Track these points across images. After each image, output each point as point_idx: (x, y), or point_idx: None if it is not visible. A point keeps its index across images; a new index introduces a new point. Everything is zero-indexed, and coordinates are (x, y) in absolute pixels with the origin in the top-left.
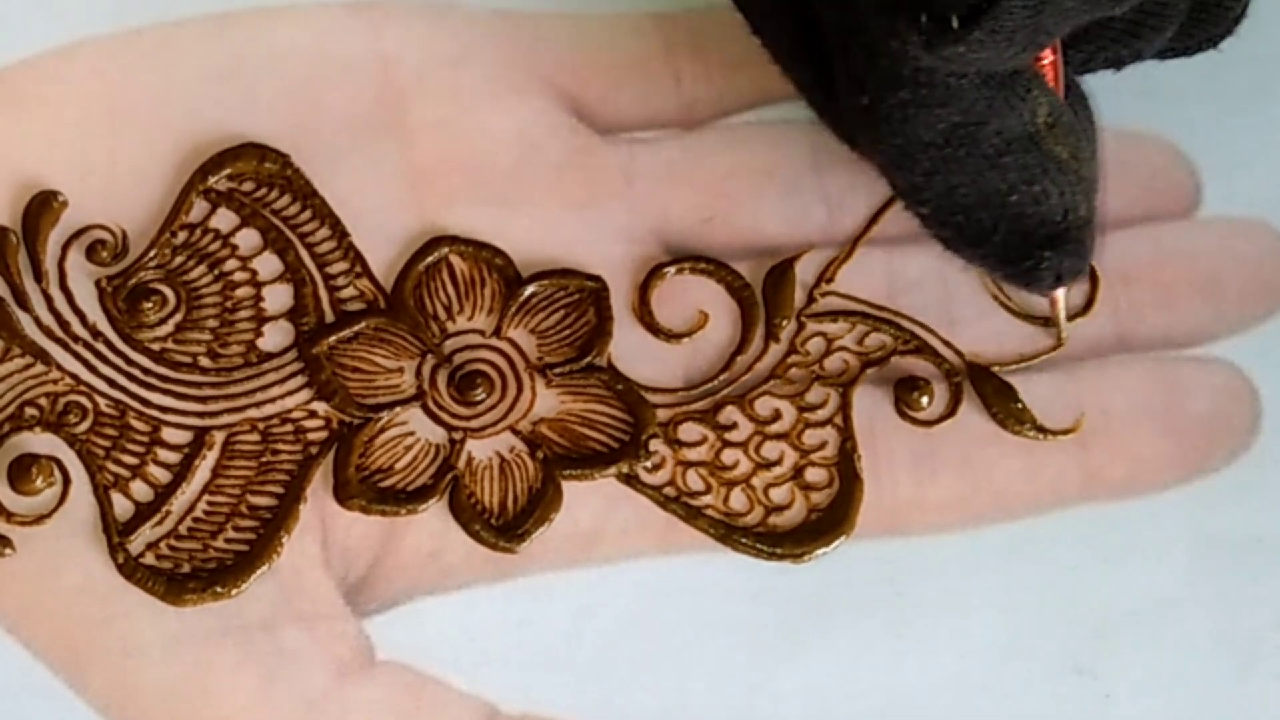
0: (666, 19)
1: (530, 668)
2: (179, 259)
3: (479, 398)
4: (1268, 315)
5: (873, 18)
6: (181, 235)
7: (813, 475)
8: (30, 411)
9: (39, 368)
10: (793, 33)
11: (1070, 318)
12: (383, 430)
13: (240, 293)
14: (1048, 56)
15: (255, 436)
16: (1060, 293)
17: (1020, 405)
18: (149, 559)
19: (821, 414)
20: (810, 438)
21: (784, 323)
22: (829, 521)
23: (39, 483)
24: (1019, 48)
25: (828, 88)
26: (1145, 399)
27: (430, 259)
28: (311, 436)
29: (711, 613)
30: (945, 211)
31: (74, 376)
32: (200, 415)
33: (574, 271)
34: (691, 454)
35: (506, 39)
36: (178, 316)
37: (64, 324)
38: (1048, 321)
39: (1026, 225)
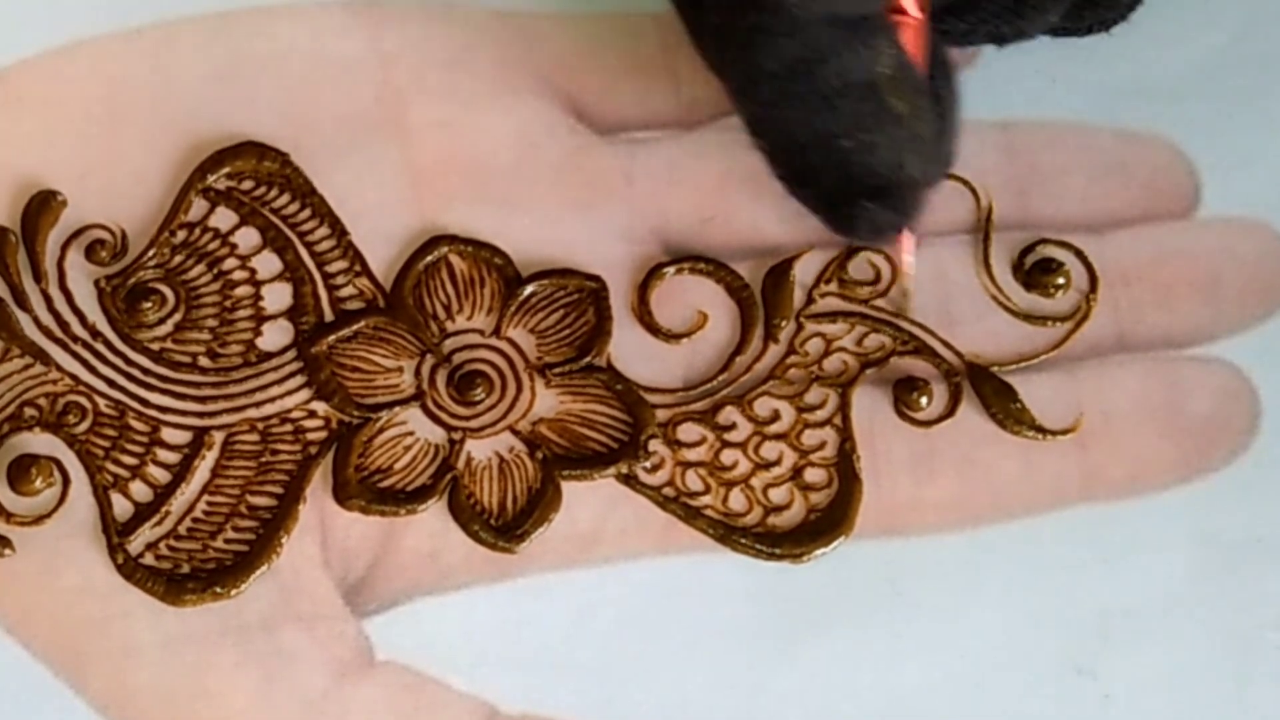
0: (665, 19)
1: (530, 668)
2: (178, 258)
3: (478, 398)
4: (1267, 315)
5: None
6: (181, 234)
7: (812, 475)
8: (30, 412)
9: (38, 368)
10: None
11: (1077, 324)
12: (382, 430)
13: (239, 292)
14: (911, 18)
15: (254, 436)
16: (909, 262)
17: (1019, 405)
18: (148, 559)
19: (820, 414)
20: (809, 438)
21: (783, 323)
22: (828, 522)
23: (38, 483)
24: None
25: (696, 6)
26: (1145, 399)
27: (430, 258)
28: (311, 436)
29: (710, 613)
30: (780, 148)
31: (73, 377)
32: (199, 415)
33: (573, 271)
34: (691, 454)
35: (506, 39)
36: (177, 316)
37: (63, 324)
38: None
39: (853, 172)
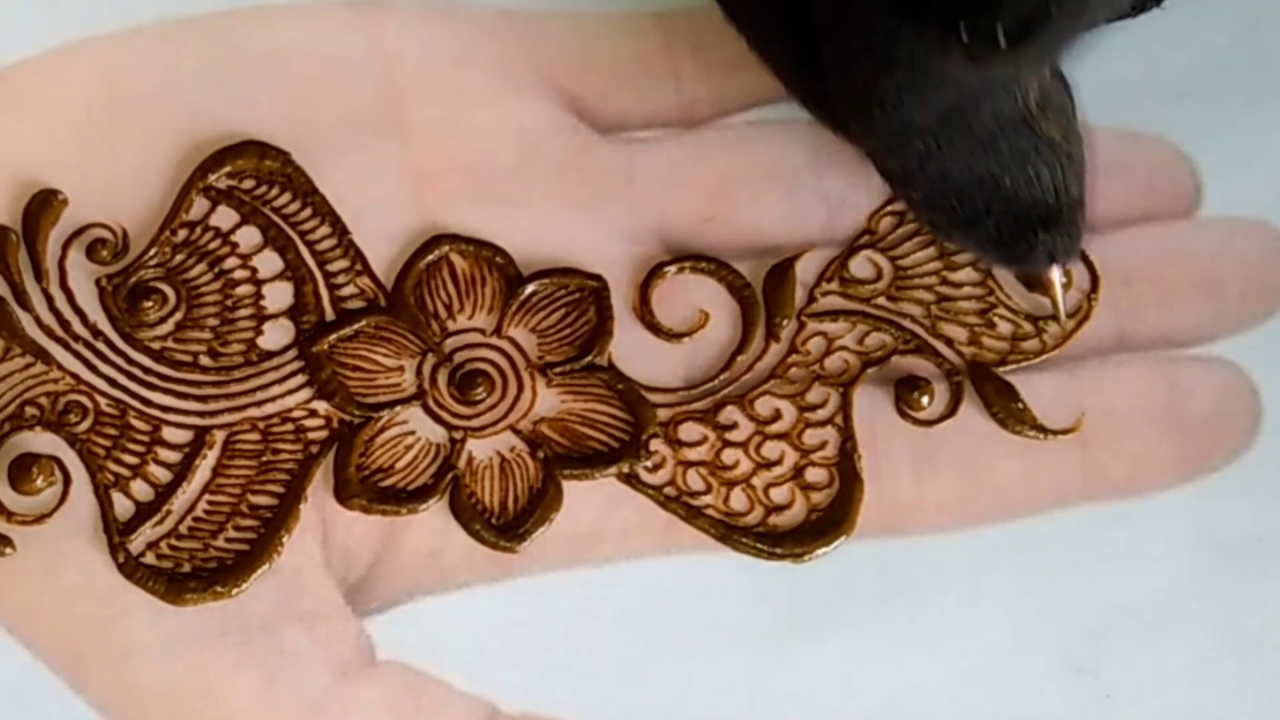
0: (667, 18)
1: (531, 667)
2: (179, 257)
3: (479, 397)
4: (1268, 315)
5: (880, 13)
6: (182, 233)
7: (813, 475)
8: (31, 411)
9: (39, 367)
10: (776, 15)
11: (1078, 324)
12: (383, 429)
13: (240, 291)
14: None
15: (256, 436)
16: (1057, 277)
17: (1021, 405)
18: (149, 558)
19: (822, 414)
20: (810, 437)
21: (784, 322)
22: (829, 521)
23: (39, 482)
24: (1057, 56)
25: (813, 72)
26: (1146, 399)
27: (431, 257)
28: (312, 435)
29: (712, 613)
30: (938, 196)
31: (74, 376)
32: (201, 414)
33: (575, 270)
34: (692, 454)
35: (507, 38)
36: (178, 315)
37: (64, 323)
38: (1040, 321)
39: (1020, 207)
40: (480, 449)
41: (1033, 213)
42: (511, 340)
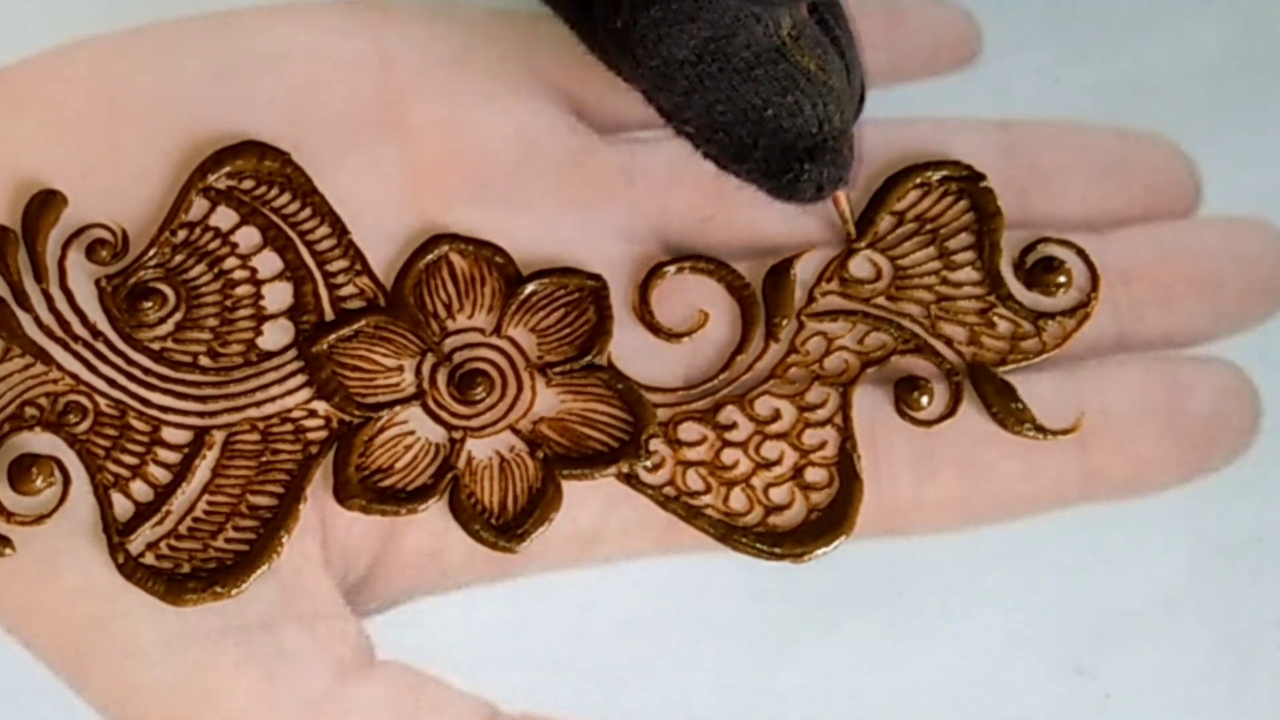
0: None
1: (530, 667)
2: (179, 258)
3: (479, 396)
4: (1268, 314)
5: None
6: (181, 234)
7: (813, 475)
8: (30, 411)
9: (39, 367)
10: None
11: (1078, 323)
12: (383, 429)
13: (240, 291)
14: None
15: (255, 436)
16: (841, 195)
17: (1020, 405)
18: (149, 559)
19: (821, 414)
20: (810, 437)
21: (784, 322)
22: (829, 521)
23: (39, 482)
24: None
25: (589, 19)
26: (1145, 399)
27: (430, 257)
28: (311, 436)
29: (711, 612)
30: (708, 129)
31: (74, 376)
32: (200, 415)
33: (574, 270)
34: (691, 453)
35: (506, 39)
36: (178, 315)
37: (64, 323)
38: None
39: (785, 139)
40: (480, 449)
41: (798, 144)
42: (511, 340)
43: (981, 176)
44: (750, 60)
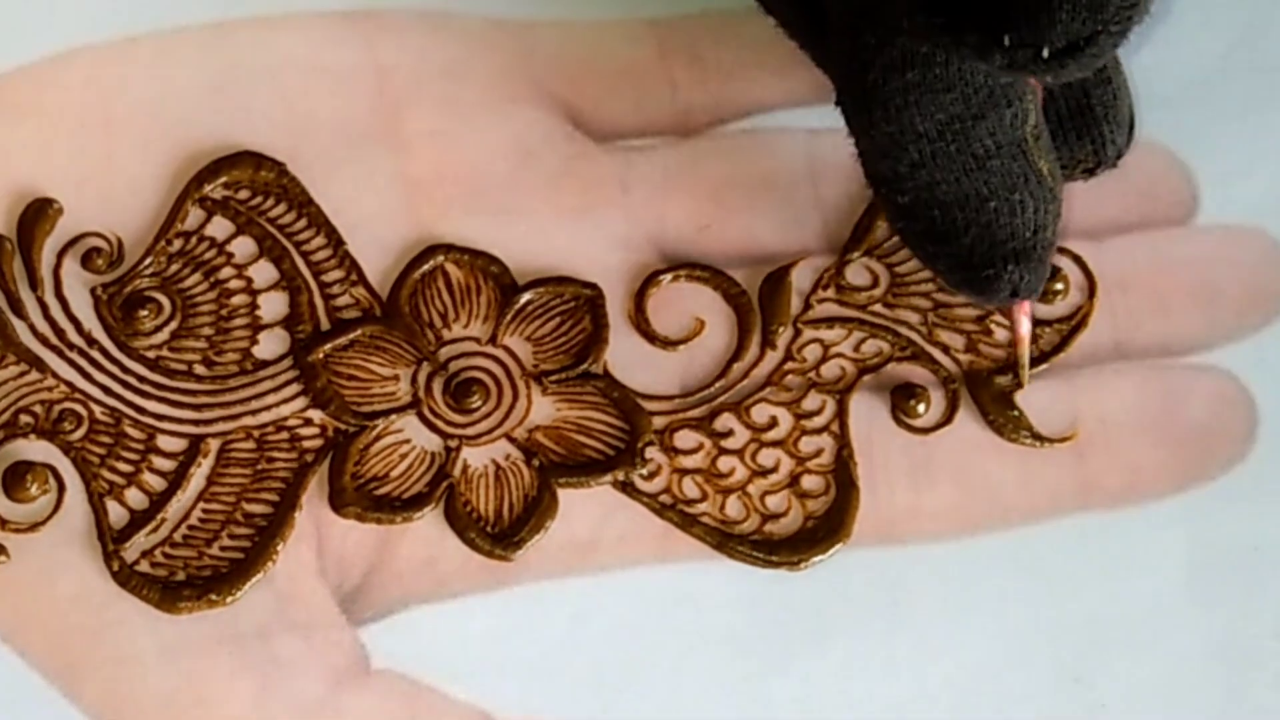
0: (662, 26)
1: (526, 676)
2: (174, 267)
3: (475, 405)
4: (1264, 323)
5: (909, 9)
6: (177, 243)
7: (809, 483)
8: (25, 419)
9: (34, 375)
10: (796, 8)
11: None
12: (378, 438)
13: (236, 300)
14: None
15: (250, 444)
16: (1025, 331)
17: (1017, 413)
18: (144, 566)
19: (818, 421)
20: (807, 445)
21: (780, 329)
22: (825, 529)
23: (34, 490)
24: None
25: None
26: (1142, 407)
27: (426, 267)
28: (307, 444)
29: (707, 621)
30: (922, 205)
31: (69, 384)
32: (195, 423)
33: (570, 279)
34: (688, 461)
35: (501, 48)
36: (173, 324)
37: (59, 331)
38: (1037, 329)
39: (997, 235)
40: (475, 457)
41: (1009, 243)
42: (507, 349)
43: None
44: (990, 149)
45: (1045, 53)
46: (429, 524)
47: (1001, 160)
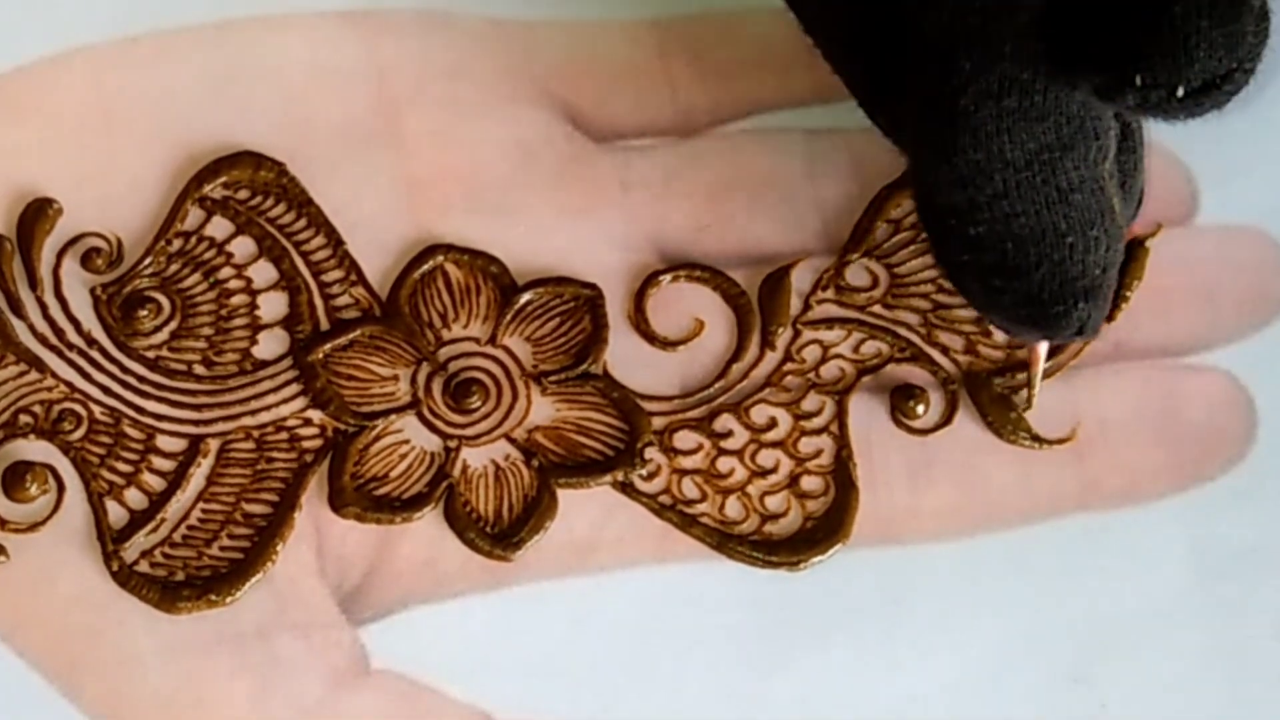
0: (662, 26)
1: (526, 676)
2: (174, 267)
3: (474, 405)
4: (1264, 323)
5: (1016, 38)
6: (177, 243)
7: (808, 483)
8: (25, 419)
9: (33, 375)
10: (855, 33)
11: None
12: (378, 438)
13: (235, 300)
14: None
15: (250, 444)
16: (1043, 352)
17: (1016, 414)
18: (143, 566)
19: (817, 422)
20: (806, 445)
21: (780, 330)
22: (825, 530)
23: (33, 490)
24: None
25: (886, 90)
26: (1141, 408)
27: (425, 267)
28: (306, 444)
29: (707, 621)
30: (996, 238)
31: (69, 384)
32: (195, 423)
33: (569, 279)
34: (687, 462)
35: (501, 48)
36: (173, 324)
37: (59, 331)
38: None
39: (1070, 270)
40: (475, 457)
41: (1080, 280)
42: (506, 349)
43: None
44: (1074, 182)
45: (1180, 92)
46: (428, 524)
47: (1083, 195)
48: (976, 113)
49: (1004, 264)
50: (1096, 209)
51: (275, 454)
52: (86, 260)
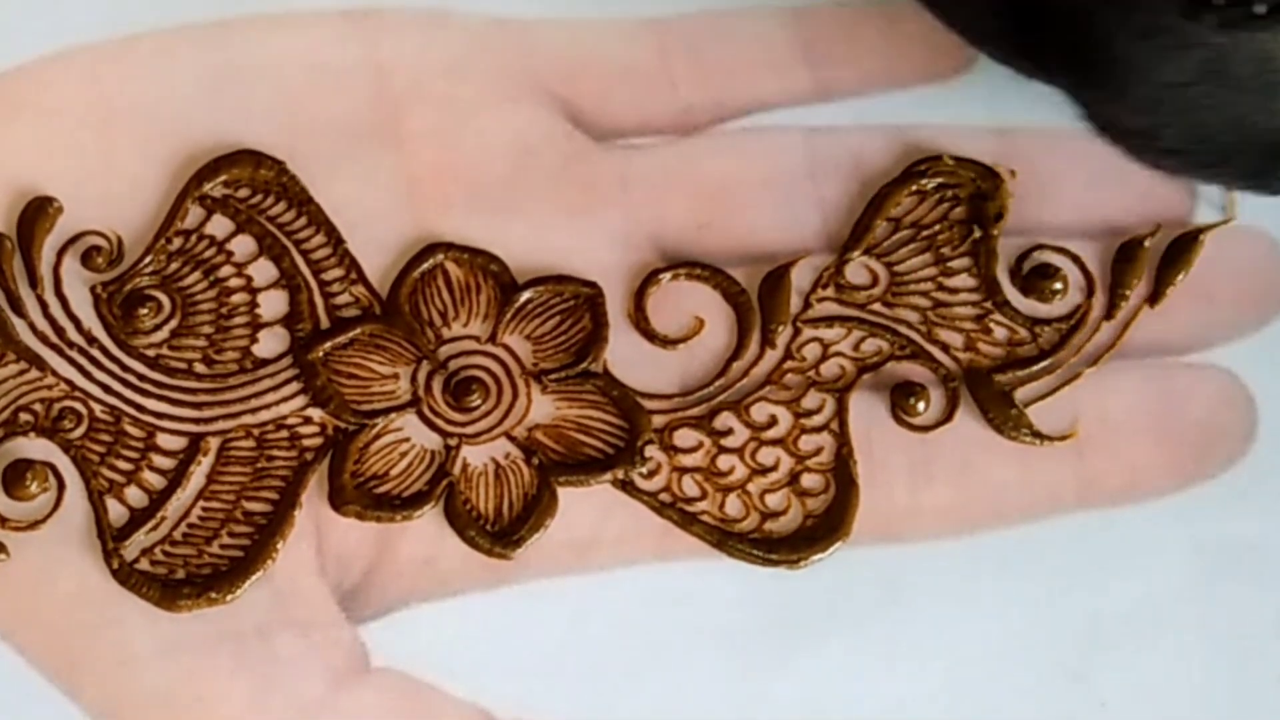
0: (662, 24)
1: (526, 675)
2: (174, 265)
3: (474, 404)
4: (1264, 321)
5: None
6: (177, 241)
7: (809, 481)
8: (25, 417)
9: (34, 373)
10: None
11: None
12: (378, 436)
13: (235, 299)
14: None
15: (250, 442)
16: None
17: (1017, 411)
18: (144, 565)
19: (818, 419)
20: (806, 443)
21: (780, 328)
22: (825, 527)
23: (33, 488)
24: None
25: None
26: (1141, 405)
27: (426, 265)
28: (307, 443)
29: (707, 619)
30: (1184, 141)
31: (69, 382)
32: (195, 421)
33: (569, 277)
34: (687, 460)
35: (502, 46)
36: (173, 323)
37: (59, 330)
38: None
39: (1264, 141)
40: (475, 456)
41: (1276, 146)
42: (506, 347)
43: (978, 183)
44: (1244, 77)
45: (1262, 8)
46: (429, 522)
47: (1257, 83)
48: (1132, 56)
49: (1203, 160)
50: (1270, 84)
51: (275, 452)
52: (87, 258)
